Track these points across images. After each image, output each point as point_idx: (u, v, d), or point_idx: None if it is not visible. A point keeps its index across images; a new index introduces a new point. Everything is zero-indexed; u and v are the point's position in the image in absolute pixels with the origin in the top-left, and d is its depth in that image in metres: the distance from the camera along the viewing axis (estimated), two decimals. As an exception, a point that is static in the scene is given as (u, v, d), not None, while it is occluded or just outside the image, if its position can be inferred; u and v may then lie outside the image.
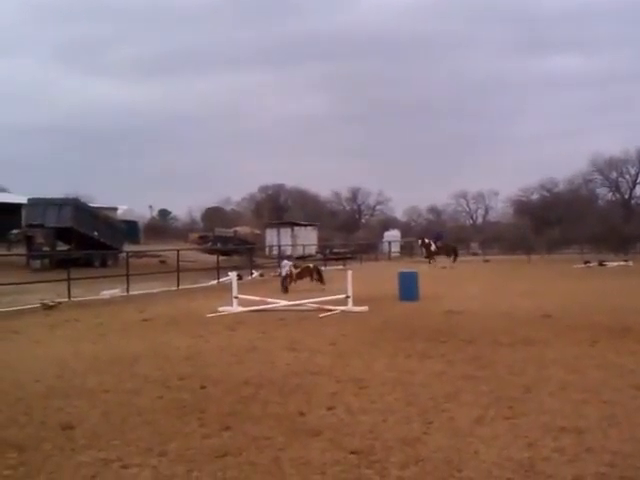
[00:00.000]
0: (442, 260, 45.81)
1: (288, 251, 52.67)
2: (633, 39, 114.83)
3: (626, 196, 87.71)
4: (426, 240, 46.87)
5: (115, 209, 61.67)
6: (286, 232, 59.59)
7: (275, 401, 8.50)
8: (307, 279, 26.29)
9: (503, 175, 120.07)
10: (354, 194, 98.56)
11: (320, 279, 26.21)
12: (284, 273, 26.08)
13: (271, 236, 60.16)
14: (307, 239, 57.69)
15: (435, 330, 14.52)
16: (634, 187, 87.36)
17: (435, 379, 9.69)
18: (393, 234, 72.93)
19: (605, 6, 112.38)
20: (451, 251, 47.44)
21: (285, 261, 27.77)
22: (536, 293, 23.91)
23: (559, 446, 6.54)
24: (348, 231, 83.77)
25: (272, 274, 34.95)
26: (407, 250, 69.42)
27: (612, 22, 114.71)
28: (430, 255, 45.59)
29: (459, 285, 28.05)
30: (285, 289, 24.92)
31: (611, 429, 7.09)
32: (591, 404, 8.14)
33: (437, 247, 46.41)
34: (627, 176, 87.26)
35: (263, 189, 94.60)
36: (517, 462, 6.13)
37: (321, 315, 17.44)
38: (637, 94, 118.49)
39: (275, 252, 51.35)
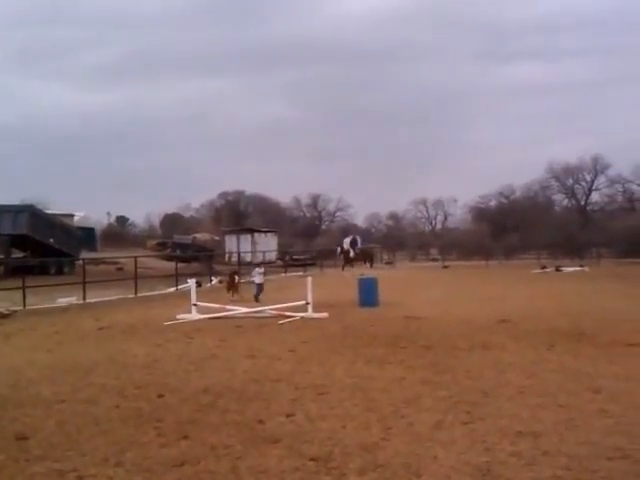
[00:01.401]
0: (361, 266, 45.03)
1: (248, 258, 52.46)
2: (590, 49, 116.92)
3: (582, 203, 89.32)
4: (345, 247, 46.01)
5: (72, 216, 60.71)
6: (246, 239, 59.39)
7: (234, 409, 8.43)
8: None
9: (462, 182, 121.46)
10: (314, 200, 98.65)
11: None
12: (258, 281, 25.38)
13: (231, 243, 59.88)
14: (267, 246, 57.59)
15: (395, 336, 14.57)
16: (590, 194, 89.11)
17: (395, 385, 9.70)
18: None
19: (564, 17, 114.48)
20: (368, 257, 46.56)
21: (257, 269, 27.14)
22: (494, 298, 24.15)
23: (516, 450, 6.59)
24: (308, 237, 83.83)
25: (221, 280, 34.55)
26: (367, 256, 69.56)
27: (570, 32, 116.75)
28: (348, 262, 44.65)
29: (418, 291, 28.23)
30: (255, 297, 24.37)
31: (567, 433, 7.16)
32: (548, 408, 8.23)
33: (355, 253, 45.51)
34: (583, 183, 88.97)
35: (223, 195, 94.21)
36: (475, 466, 6.16)
37: (281, 322, 17.38)
38: (593, 102, 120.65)
39: (235, 259, 51.04)
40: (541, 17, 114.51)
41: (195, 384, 9.93)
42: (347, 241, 68.91)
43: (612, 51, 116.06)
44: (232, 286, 25.76)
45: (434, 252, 76.07)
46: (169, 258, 47.68)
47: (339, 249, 46.19)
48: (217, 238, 64.71)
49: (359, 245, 49.50)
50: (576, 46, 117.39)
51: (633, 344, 12.98)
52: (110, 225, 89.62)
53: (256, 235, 60.78)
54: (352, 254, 44.77)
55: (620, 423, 7.49)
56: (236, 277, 26.46)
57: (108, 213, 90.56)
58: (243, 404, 8.66)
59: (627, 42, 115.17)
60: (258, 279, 25.47)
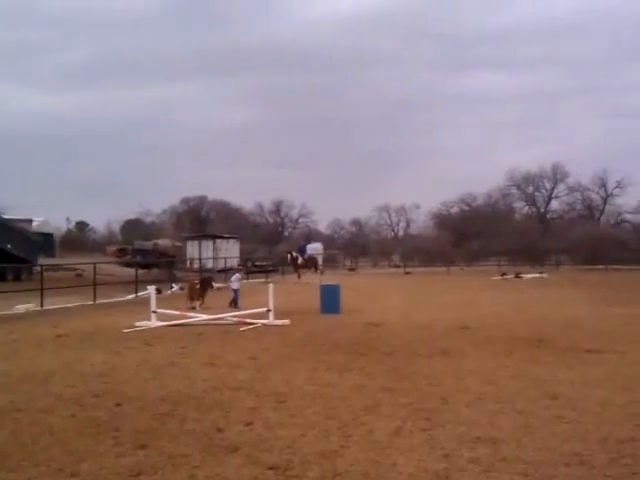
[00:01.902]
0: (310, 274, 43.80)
1: (209, 264, 52.13)
2: (551, 58, 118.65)
3: (542, 210, 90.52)
4: (293, 254, 45.08)
5: (30, 221, 59.76)
6: (207, 245, 59.01)
7: (192, 417, 8.36)
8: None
9: (425, 189, 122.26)
10: (277, 207, 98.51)
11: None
12: (235, 287, 25.11)
13: (192, 249, 59.47)
14: (229, 252, 57.28)
15: (355, 343, 14.58)
16: (549, 201, 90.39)
17: (355, 392, 9.70)
18: (315, 247, 72.99)
19: (525, 26, 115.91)
20: (313, 264, 45.68)
21: (236, 275, 26.83)
22: (455, 305, 24.32)
23: (474, 456, 6.62)
24: (271, 244, 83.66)
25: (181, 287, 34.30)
26: (330, 263, 69.72)
27: (532, 42, 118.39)
28: (297, 269, 43.83)
29: (380, 297, 28.31)
30: (234, 303, 24.14)
31: (525, 439, 7.22)
32: (506, 414, 8.29)
33: (304, 260, 44.63)
34: (543, 190, 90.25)
35: (184, 201, 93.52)
36: (434, 473, 6.18)
37: (242, 329, 17.29)
38: (553, 111, 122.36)
39: (196, 265, 50.68)
40: (502, 27, 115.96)
41: (153, 393, 9.82)
42: (315, 246, 68.97)
43: (571, 61, 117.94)
44: (197, 294, 25.03)
45: (396, 258, 76.37)
46: (129, 264, 47.15)
47: (289, 256, 45.20)
48: (178, 244, 64.18)
49: (307, 252, 48.29)
50: (536, 56, 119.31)
51: (590, 350, 13.16)
52: (69, 231, 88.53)
53: (218, 241, 60.41)
54: (300, 261, 43.82)
55: (577, 429, 7.58)
56: (203, 284, 25.72)
57: (67, 219, 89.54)
58: (202, 413, 8.59)
59: (585, 52, 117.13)
60: (236, 285, 25.28)
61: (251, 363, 12.30)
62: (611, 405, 8.71)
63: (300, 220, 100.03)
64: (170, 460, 6.69)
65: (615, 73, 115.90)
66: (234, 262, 54.48)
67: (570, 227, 78.40)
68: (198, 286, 25.23)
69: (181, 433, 7.65)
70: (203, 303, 24.49)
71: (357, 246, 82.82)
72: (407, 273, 55.06)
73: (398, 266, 67.51)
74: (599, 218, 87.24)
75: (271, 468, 6.39)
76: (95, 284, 28.40)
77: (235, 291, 24.89)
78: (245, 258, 59.62)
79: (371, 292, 31.93)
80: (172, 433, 7.66)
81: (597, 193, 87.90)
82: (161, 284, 31.70)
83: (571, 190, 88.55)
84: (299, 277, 42.11)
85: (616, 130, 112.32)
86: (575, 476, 6.07)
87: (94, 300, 26.98)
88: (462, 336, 15.57)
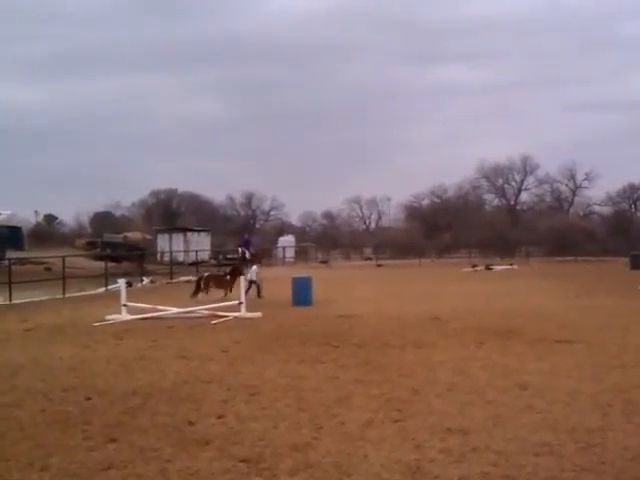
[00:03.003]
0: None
1: (180, 257, 51.80)
2: (519, 50, 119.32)
3: (512, 202, 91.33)
4: (240, 249, 43.40)
5: (-3, 214, 58.93)
6: (178, 238, 58.65)
7: (164, 411, 8.31)
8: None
9: (396, 181, 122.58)
10: (248, 199, 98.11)
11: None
12: (254, 278, 24.92)
13: (163, 242, 59.07)
14: (200, 245, 56.96)
15: (328, 335, 14.59)
16: (519, 193, 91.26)
17: (327, 384, 9.70)
18: (287, 239, 73.09)
19: (493, 19, 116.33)
20: (259, 257, 44.62)
21: (254, 267, 26.45)
22: (426, 296, 24.46)
23: (445, 447, 6.66)
24: (242, 237, 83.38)
25: (164, 281, 34.31)
26: (302, 255, 69.74)
27: (499, 34, 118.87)
28: (245, 263, 42.86)
29: (352, 290, 28.34)
30: (258, 293, 24.11)
31: (495, 429, 7.27)
32: (477, 405, 8.35)
33: (252, 254, 43.12)
34: (512, 183, 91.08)
35: (155, 194, 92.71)
36: (405, 464, 6.20)
37: (213, 322, 17.21)
38: (522, 103, 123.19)
39: (167, 258, 50.35)
40: (471, 19, 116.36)
41: (124, 386, 9.76)
42: (287, 239, 68.35)
43: (539, 53, 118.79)
44: (227, 283, 24.56)
45: (368, 251, 76.59)
46: (99, 258, 46.69)
47: (239, 250, 43.84)
48: (149, 237, 63.73)
49: (253, 245, 46.80)
50: (505, 47, 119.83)
51: (560, 341, 13.30)
52: (38, 224, 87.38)
53: (189, 234, 60.05)
54: (248, 255, 42.66)
55: (546, 419, 7.66)
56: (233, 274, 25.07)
57: (36, 211, 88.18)
58: (173, 406, 8.55)
59: (553, 44, 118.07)
60: (253, 276, 25.04)
61: (223, 356, 12.27)
62: (580, 395, 8.80)
63: (271, 213, 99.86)
64: (141, 454, 6.65)
65: (583, 65, 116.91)
66: (205, 255, 54.25)
67: (539, 219, 79.31)
68: (228, 277, 24.80)
69: (152, 427, 7.60)
70: (230, 293, 23.84)
71: (329, 239, 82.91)
72: (379, 265, 55.23)
73: (370, 258, 67.70)
74: (568, 210, 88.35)
75: (243, 461, 6.38)
76: (64, 277, 28.11)
77: (251, 283, 24.51)
78: (216, 251, 59.36)
79: (343, 284, 31.96)
80: (143, 427, 7.61)
81: (566, 185, 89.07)
82: (131, 277, 31.48)
83: (540, 182, 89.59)
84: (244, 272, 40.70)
85: (584, 122, 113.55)
86: (544, 465, 6.13)
87: (63, 294, 26.72)
88: (433, 327, 15.66)
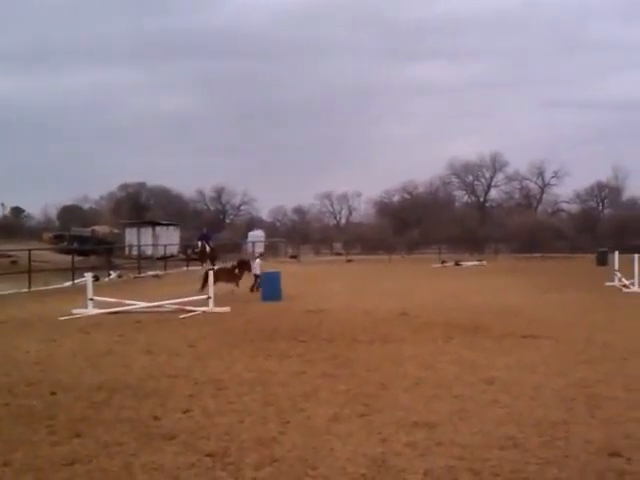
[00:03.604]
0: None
1: (148, 251, 51.42)
2: (491, 49, 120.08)
3: (481, 199, 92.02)
4: (200, 243, 42.08)
5: (-37, 207, 58.16)
6: (147, 232, 58.19)
7: (129, 406, 8.24)
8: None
9: (367, 177, 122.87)
10: (219, 193, 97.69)
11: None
12: (258, 272, 24.79)
13: (131, 236, 58.54)
14: (169, 239, 56.53)
15: (296, 330, 14.58)
16: (489, 190, 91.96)
17: (294, 378, 9.69)
18: (257, 234, 72.84)
19: (467, 17, 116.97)
20: (216, 252, 43.93)
21: (257, 260, 26.45)
22: (395, 292, 24.53)
23: (411, 441, 6.68)
24: (215, 230, 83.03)
25: (132, 275, 34.04)
26: (272, 250, 69.62)
27: (472, 33, 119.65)
28: (204, 258, 41.52)
29: (322, 285, 28.37)
30: (255, 288, 24.09)
31: (461, 423, 7.31)
32: (443, 399, 8.38)
33: (211, 248, 42.05)
34: (482, 180, 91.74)
35: (123, 187, 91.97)
36: (371, 458, 6.21)
37: (181, 316, 17.12)
38: (493, 102, 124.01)
39: (135, 252, 49.93)
40: (445, 18, 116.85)
41: (89, 381, 9.67)
42: (257, 234, 67.69)
43: (510, 52, 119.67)
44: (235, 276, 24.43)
45: (338, 246, 76.73)
46: (66, 251, 46.13)
47: (199, 244, 42.82)
48: (117, 231, 63.14)
49: (212, 240, 44.79)
50: (476, 47, 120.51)
51: (526, 336, 13.42)
52: (5, 217, 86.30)
53: (157, 228, 59.60)
54: (208, 249, 41.90)
55: (511, 413, 7.71)
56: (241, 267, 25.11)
57: (2, 204, 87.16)
58: (139, 401, 8.48)
59: (525, 43, 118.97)
60: (257, 270, 24.95)
61: (190, 351, 12.20)
62: (545, 389, 8.88)
63: (242, 207, 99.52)
64: (105, 449, 6.59)
65: (554, 65, 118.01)
66: (174, 249, 53.90)
67: (508, 216, 79.97)
68: (237, 270, 24.65)
69: (117, 421, 7.54)
70: (238, 287, 23.95)
71: (299, 234, 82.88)
72: (349, 261, 55.37)
73: (340, 254, 67.83)
74: (536, 207, 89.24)
75: (208, 455, 6.35)
76: (30, 271, 27.75)
77: (257, 276, 24.52)
78: (185, 245, 58.98)
79: (312, 279, 31.98)
80: (108, 421, 7.54)
81: (535, 183, 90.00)
82: (99, 271, 31.21)
83: (509, 179, 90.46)
84: (203, 265, 39.52)
85: (554, 121, 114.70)
86: (509, 459, 6.17)
87: (29, 287, 26.36)
88: (402, 322, 15.71)
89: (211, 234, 46.85)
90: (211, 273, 20.19)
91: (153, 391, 9.00)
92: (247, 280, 24.67)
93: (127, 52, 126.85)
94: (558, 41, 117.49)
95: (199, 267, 39.13)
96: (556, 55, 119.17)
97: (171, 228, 61.41)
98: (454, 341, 12.96)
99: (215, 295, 18.60)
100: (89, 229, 61.21)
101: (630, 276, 24.74)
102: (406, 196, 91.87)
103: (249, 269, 25.32)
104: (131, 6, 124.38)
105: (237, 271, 24.63)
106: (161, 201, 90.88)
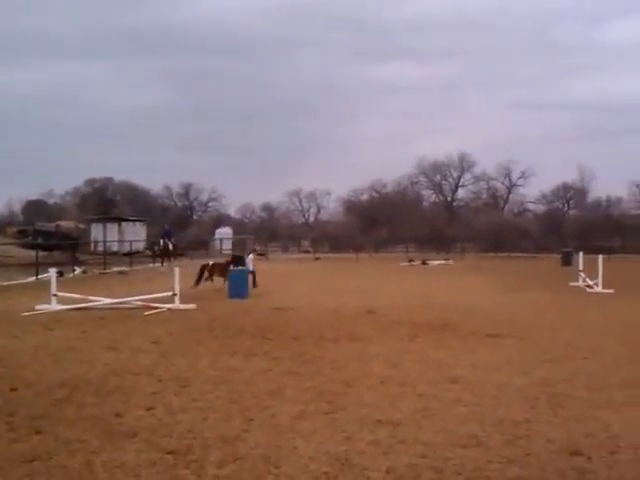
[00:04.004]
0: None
1: (114, 247, 50.91)
2: (460, 49, 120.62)
3: (449, 198, 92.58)
4: (165, 240, 41.37)
5: None
6: (113, 227, 57.54)
7: (91, 403, 8.16)
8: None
9: (336, 175, 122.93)
10: (186, 190, 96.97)
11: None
12: (251, 268, 24.97)
13: (97, 231, 57.87)
14: (135, 235, 55.93)
15: (262, 327, 14.54)
16: (456, 190, 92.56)
17: (259, 376, 9.66)
18: (225, 231, 72.56)
19: (438, 18, 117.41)
20: (178, 250, 43.31)
21: (250, 256, 26.44)
22: (362, 290, 24.58)
23: (375, 439, 6.69)
24: (179, 228, 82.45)
25: (97, 271, 33.71)
26: (239, 247, 69.40)
27: (441, 33, 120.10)
28: (167, 255, 40.88)
29: (289, 283, 28.34)
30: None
31: (425, 421, 7.34)
32: (407, 397, 8.41)
33: (174, 246, 41.60)
34: (450, 179, 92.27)
35: (89, 182, 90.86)
36: (334, 456, 6.21)
37: (146, 313, 16.98)
38: (461, 102, 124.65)
39: (100, 248, 49.38)
40: (414, 17, 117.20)
41: (51, 377, 9.56)
42: (224, 231, 67.27)
43: (477, 53, 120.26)
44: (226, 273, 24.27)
45: (306, 244, 76.72)
46: (30, 246, 45.50)
47: (161, 242, 42.09)
48: (82, 226, 62.34)
49: (173, 237, 43.99)
50: (444, 47, 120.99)
51: (491, 334, 13.53)
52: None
53: (124, 224, 58.92)
54: (171, 247, 40.89)
55: (474, 411, 7.76)
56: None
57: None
58: (101, 398, 8.41)
59: (493, 44, 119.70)
60: (251, 266, 25.01)
61: (154, 347, 12.11)
62: (508, 388, 8.96)
63: (210, 204, 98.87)
64: (66, 446, 6.52)
65: (522, 66, 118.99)
66: (140, 246, 53.40)
67: (475, 215, 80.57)
68: (231, 266, 24.56)
69: (79, 418, 7.46)
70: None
71: (267, 231, 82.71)
72: (317, 259, 55.38)
73: (308, 252, 67.82)
74: (503, 207, 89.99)
75: (171, 453, 6.30)
76: (-7, 266, 27.36)
77: (249, 272, 24.50)
78: (152, 242, 58.51)
79: (280, 277, 31.92)
80: (69, 418, 7.47)
81: (502, 183, 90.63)
82: (63, 267, 30.82)
83: (477, 179, 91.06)
84: (162, 264, 39.44)
85: (521, 122, 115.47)
86: (471, 457, 6.20)
87: (-8, 283, 25.99)
88: (368, 321, 15.75)
89: (173, 231, 46.41)
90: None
91: (116, 388, 8.92)
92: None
93: (96, 46, 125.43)
94: (525, 43, 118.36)
95: (160, 264, 38.81)
96: (523, 57, 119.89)
97: (137, 224, 60.79)
98: (420, 340, 13.02)
99: (180, 292, 18.43)
100: (54, 224, 60.37)
101: (594, 276, 25.03)
102: (374, 195, 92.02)
103: (243, 265, 25.29)
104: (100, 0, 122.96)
105: (231, 267, 24.58)
106: (128, 197, 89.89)
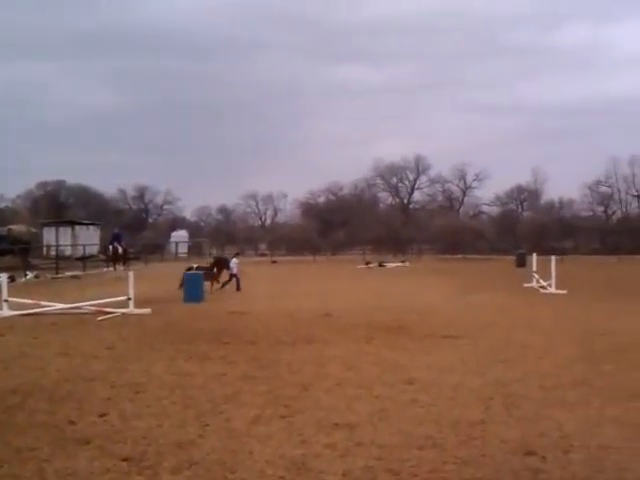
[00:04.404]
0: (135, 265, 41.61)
1: (67, 251, 50.17)
2: (415, 52, 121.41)
3: (405, 201, 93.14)
4: (115, 244, 40.79)
5: None
6: (66, 231, 56.71)
7: (44, 409, 8.02)
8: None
9: (293, 177, 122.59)
10: (141, 192, 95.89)
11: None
12: (235, 271, 25.94)
13: (49, 235, 56.95)
14: (89, 239, 55.17)
15: (218, 331, 14.45)
16: (412, 192, 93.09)
17: (214, 381, 9.59)
18: (181, 234, 72.06)
19: (392, 21, 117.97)
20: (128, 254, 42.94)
21: (234, 259, 27.15)
22: (319, 293, 24.60)
23: (331, 442, 6.68)
24: (134, 231, 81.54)
25: (49, 276, 33.15)
26: (195, 251, 68.97)
27: (397, 36, 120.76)
28: (117, 259, 40.42)
29: (245, 286, 28.15)
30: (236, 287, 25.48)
31: (381, 423, 7.35)
32: (364, 399, 8.42)
33: (124, 249, 41.02)
34: (406, 182, 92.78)
35: (42, 185, 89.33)
36: (290, 460, 6.18)
37: (100, 318, 16.73)
38: (416, 104, 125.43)
39: (53, 252, 48.60)
40: (371, 20, 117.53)
41: (2, 384, 9.40)
42: (180, 234, 66.72)
43: (434, 55, 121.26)
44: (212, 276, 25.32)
45: (263, 247, 76.56)
46: (-19, 251, 44.56)
47: (110, 248, 41.12)
48: (35, 230, 61.29)
49: (123, 240, 43.28)
50: (399, 50, 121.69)
51: (446, 336, 13.63)
52: None
53: (77, 228, 58.10)
54: (120, 250, 40.26)
55: (430, 412, 7.80)
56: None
57: None
58: (54, 404, 8.27)
59: (448, 47, 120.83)
60: (235, 269, 26.03)
61: (108, 353, 11.94)
62: (463, 389, 9.03)
63: (165, 207, 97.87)
64: (17, 454, 6.41)
65: (476, 69, 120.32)
66: (94, 249, 52.69)
67: (431, 218, 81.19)
68: (214, 269, 25.78)
69: (30, 426, 7.33)
70: (218, 284, 25.26)
71: (223, 234, 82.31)
72: (274, 262, 55.26)
73: (265, 254, 67.64)
74: (459, 209, 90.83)
75: (125, 460, 6.22)
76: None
77: (232, 275, 25.81)
78: (105, 246, 57.79)
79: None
80: (21, 426, 7.34)
81: (457, 185, 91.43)
82: (15, 271, 30.30)
83: (432, 182, 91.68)
84: (114, 268, 38.96)
85: (475, 125, 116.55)
86: (427, 459, 6.23)
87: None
88: (325, 324, 15.75)
89: (123, 235, 45.71)
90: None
91: (69, 394, 8.78)
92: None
93: (49, 46, 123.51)
94: (477, 46, 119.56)
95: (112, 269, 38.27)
96: (476, 60, 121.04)
97: (91, 228, 59.95)
98: (376, 342, 13.06)
99: (135, 296, 18.21)
100: (5, 228, 59.24)
101: (547, 277, 25.41)
102: (331, 197, 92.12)
103: (227, 267, 26.27)
104: (51, 1, 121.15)
105: (215, 270, 25.60)
106: (81, 200, 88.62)
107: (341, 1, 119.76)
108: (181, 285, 23.02)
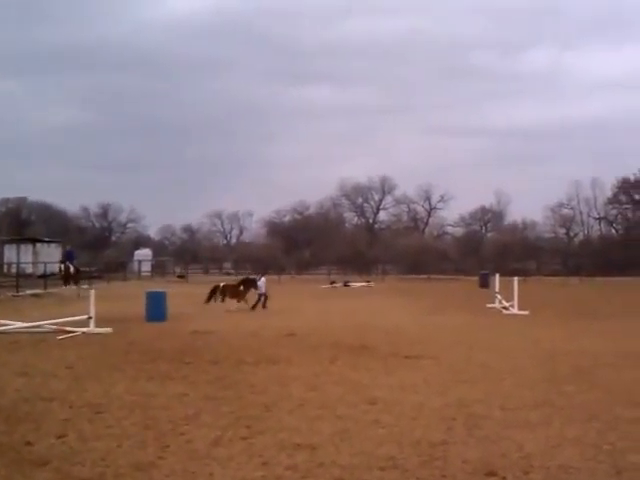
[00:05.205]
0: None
1: (28, 269, 49.44)
2: (381, 75, 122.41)
3: (370, 221, 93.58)
4: (67, 263, 38.88)
5: None
6: (27, 249, 55.94)
7: (0, 430, 7.87)
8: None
9: (258, 197, 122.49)
10: (105, 210, 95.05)
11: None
12: (263, 290, 26.75)
13: (10, 253, 56.14)
14: (50, 256, 54.40)
15: (180, 351, 14.31)
16: (378, 212, 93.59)
17: (176, 401, 9.48)
18: (144, 253, 71.52)
19: (354, 43, 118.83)
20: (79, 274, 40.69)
21: (262, 279, 27.69)
22: (284, 312, 24.53)
23: (293, 463, 6.63)
24: (97, 249, 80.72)
25: (10, 294, 32.61)
26: (159, 269, 68.46)
27: (360, 58, 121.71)
28: (68, 278, 38.66)
29: (209, 306, 27.97)
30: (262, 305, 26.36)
31: (343, 443, 7.32)
32: (326, 420, 8.39)
33: (75, 268, 39.28)
34: (372, 202, 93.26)
35: (3, 202, 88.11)
36: (251, 482, 6.12)
37: (60, 337, 16.48)
38: (381, 125, 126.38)
39: (14, 270, 47.87)
40: (330, 42, 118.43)
41: (-43, 405, 9.15)
42: (144, 252, 66.17)
43: (400, 78, 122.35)
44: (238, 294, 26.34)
45: (228, 266, 76.22)
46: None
47: (61, 267, 40.13)
48: (-5, 248, 60.47)
49: (75, 259, 41.62)
50: (363, 72, 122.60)
51: (409, 356, 13.66)
52: None
53: (38, 245, 57.35)
54: (72, 270, 38.44)
55: (392, 433, 7.79)
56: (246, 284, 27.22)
57: None
58: (11, 425, 8.11)
59: (413, 70, 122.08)
60: (263, 289, 26.81)
61: (67, 373, 11.75)
62: (425, 409, 9.04)
63: (129, 225, 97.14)
64: (-29, 477, 6.25)
65: (441, 92, 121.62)
66: (55, 267, 51.99)
67: (396, 238, 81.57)
68: (242, 287, 26.60)
69: (-15, 448, 7.16)
70: (244, 301, 26.13)
71: (188, 253, 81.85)
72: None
73: (229, 273, 67.33)
74: (423, 230, 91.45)
75: (82, 482, 6.11)
76: None
77: (261, 295, 26.60)
78: (59, 264, 56.91)
79: (200, 300, 31.49)
80: (-24, 448, 7.16)
81: (422, 206, 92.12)
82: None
83: (398, 202, 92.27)
84: (65, 286, 37.93)
85: (440, 146, 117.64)
86: (388, 479, 6.21)
87: None
88: (289, 343, 15.70)
89: (74, 253, 44.68)
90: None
91: (26, 415, 8.62)
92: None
93: (14, 63, 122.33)
94: (441, 69, 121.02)
95: (67, 287, 37.61)
96: (439, 83, 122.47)
97: (53, 245, 59.19)
98: (340, 362, 13.04)
99: (96, 315, 17.98)
100: (-35, 245, 58.36)
101: (510, 298, 25.62)
102: (297, 216, 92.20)
103: (255, 287, 26.96)
104: (17, 16, 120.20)
105: (242, 288, 26.55)
106: (43, 217, 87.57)
107: (305, 23, 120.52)
108: (208, 300, 24.89)
